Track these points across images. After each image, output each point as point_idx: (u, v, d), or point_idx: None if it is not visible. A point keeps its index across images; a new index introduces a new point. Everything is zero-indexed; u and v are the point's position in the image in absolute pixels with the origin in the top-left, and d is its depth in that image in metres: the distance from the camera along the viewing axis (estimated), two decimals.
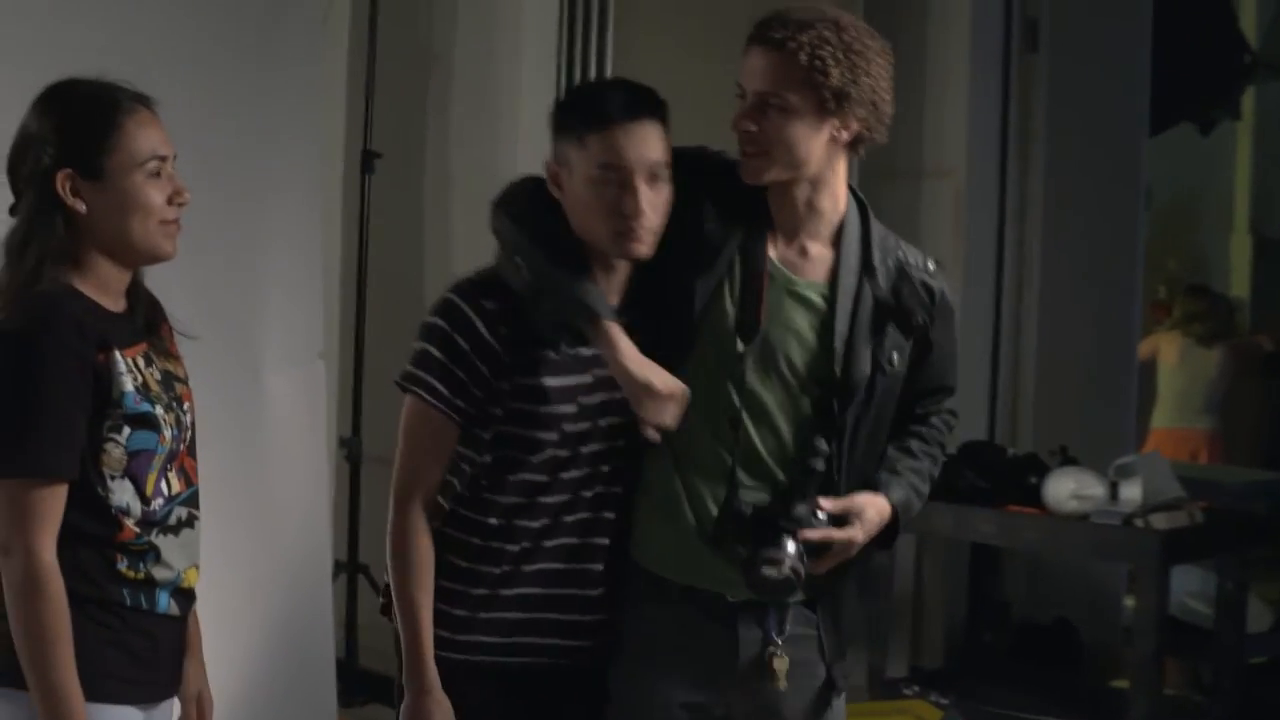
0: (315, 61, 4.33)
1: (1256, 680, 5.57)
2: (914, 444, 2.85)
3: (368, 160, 5.23)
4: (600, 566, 2.80)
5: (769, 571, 2.62)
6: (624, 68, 5.18)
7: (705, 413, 2.66)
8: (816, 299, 2.70)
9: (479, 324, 2.68)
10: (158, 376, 2.50)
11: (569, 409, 2.72)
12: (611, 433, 2.75)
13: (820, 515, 2.66)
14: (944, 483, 5.14)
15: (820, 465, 2.67)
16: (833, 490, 2.68)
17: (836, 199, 2.69)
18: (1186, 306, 8.44)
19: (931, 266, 2.79)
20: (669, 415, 2.61)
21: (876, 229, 2.74)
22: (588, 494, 2.77)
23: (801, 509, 2.66)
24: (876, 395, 2.72)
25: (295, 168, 4.18)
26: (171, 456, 2.50)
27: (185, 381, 2.60)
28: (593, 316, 2.62)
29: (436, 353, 2.69)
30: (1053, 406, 6.10)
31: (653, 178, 2.63)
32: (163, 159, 2.46)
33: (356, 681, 5.12)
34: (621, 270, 2.71)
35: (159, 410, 2.46)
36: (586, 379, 2.73)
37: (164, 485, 2.50)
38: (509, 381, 2.70)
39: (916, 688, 5.50)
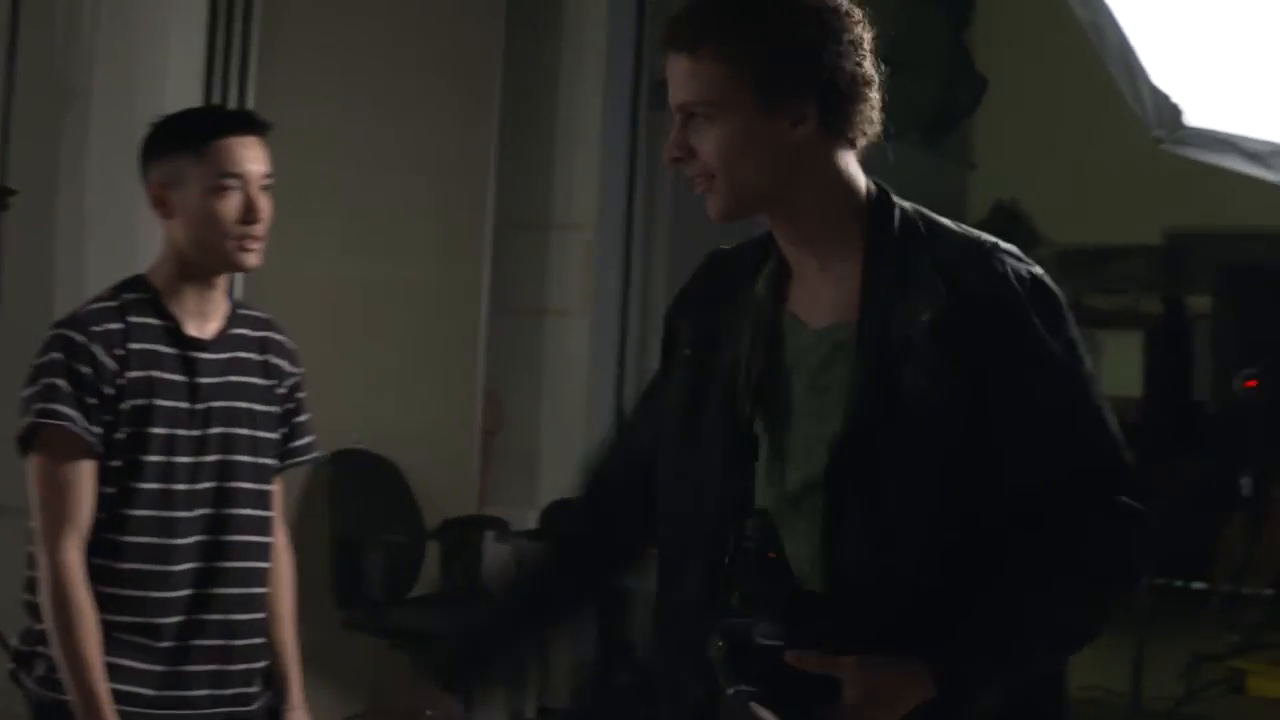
0: None
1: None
2: (1014, 572, 1.98)
3: (2, 198, 5.05)
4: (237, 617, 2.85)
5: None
6: (267, 108, 5.15)
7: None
8: (843, 340, 2.08)
9: (96, 349, 2.75)
10: None
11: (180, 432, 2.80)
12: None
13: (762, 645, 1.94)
14: None
15: (751, 542, 2.02)
16: (810, 602, 1.98)
17: (836, 206, 2.08)
18: None
19: (990, 243, 2.10)
20: None
21: (905, 222, 2.10)
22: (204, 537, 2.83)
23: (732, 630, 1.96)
24: (900, 443, 2.00)
25: None
26: None
27: None
28: None
29: (62, 384, 2.73)
30: None
31: (265, 189, 2.81)
32: None
33: None
34: (220, 288, 2.81)
35: None
36: (199, 406, 2.82)
37: None
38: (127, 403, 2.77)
39: None
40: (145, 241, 3.37)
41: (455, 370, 6.14)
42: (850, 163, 2.09)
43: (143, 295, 2.85)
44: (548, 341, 6.12)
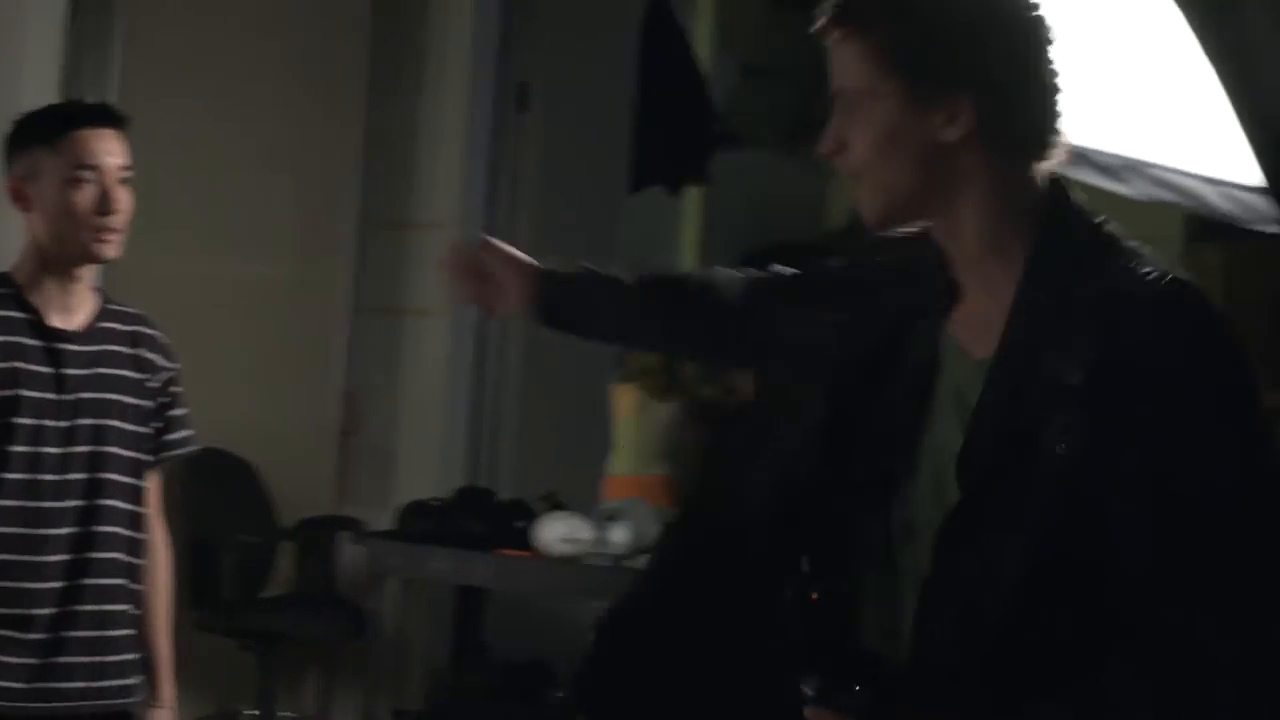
0: None
1: None
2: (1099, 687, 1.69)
3: None
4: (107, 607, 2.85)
5: None
6: (130, 105, 5.08)
7: None
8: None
9: None
10: None
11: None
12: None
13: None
14: (439, 528, 5.35)
15: (800, 592, 1.80)
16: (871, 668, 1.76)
17: (997, 222, 1.82)
18: (640, 361, 8.79)
19: (1167, 290, 1.75)
20: None
21: (1076, 245, 1.81)
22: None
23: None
24: (1015, 511, 1.72)
25: None
26: None
27: None
28: None
29: None
30: (537, 452, 6.31)
31: (123, 181, 2.83)
32: None
33: None
34: (84, 280, 2.83)
35: None
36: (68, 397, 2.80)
37: None
38: None
39: None
40: (9, 238, 3.35)
41: (314, 370, 6.11)
42: (1022, 175, 1.82)
43: (5, 290, 2.88)
44: (407, 341, 6.10)
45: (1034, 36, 1.82)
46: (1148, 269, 1.76)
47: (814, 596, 1.79)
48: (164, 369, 3.01)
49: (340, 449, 6.11)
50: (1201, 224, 7.75)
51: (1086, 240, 1.81)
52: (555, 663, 6.26)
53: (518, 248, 2.31)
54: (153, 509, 3.00)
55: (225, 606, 5.53)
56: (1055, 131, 1.82)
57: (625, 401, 8.63)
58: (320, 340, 6.10)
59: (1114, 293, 1.73)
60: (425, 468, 6.00)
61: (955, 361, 1.85)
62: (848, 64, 1.83)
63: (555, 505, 5.49)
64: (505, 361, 6.27)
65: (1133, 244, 1.82)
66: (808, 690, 1.74)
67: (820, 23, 1.86)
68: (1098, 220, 1.84)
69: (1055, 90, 1.82)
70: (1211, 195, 5.77)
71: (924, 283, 1.90)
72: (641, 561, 5.18)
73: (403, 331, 6.11)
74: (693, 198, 11.34)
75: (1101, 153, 5.34)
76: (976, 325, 1.83)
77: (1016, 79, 1.80)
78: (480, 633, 6.22)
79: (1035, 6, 1.83)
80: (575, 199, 6.42)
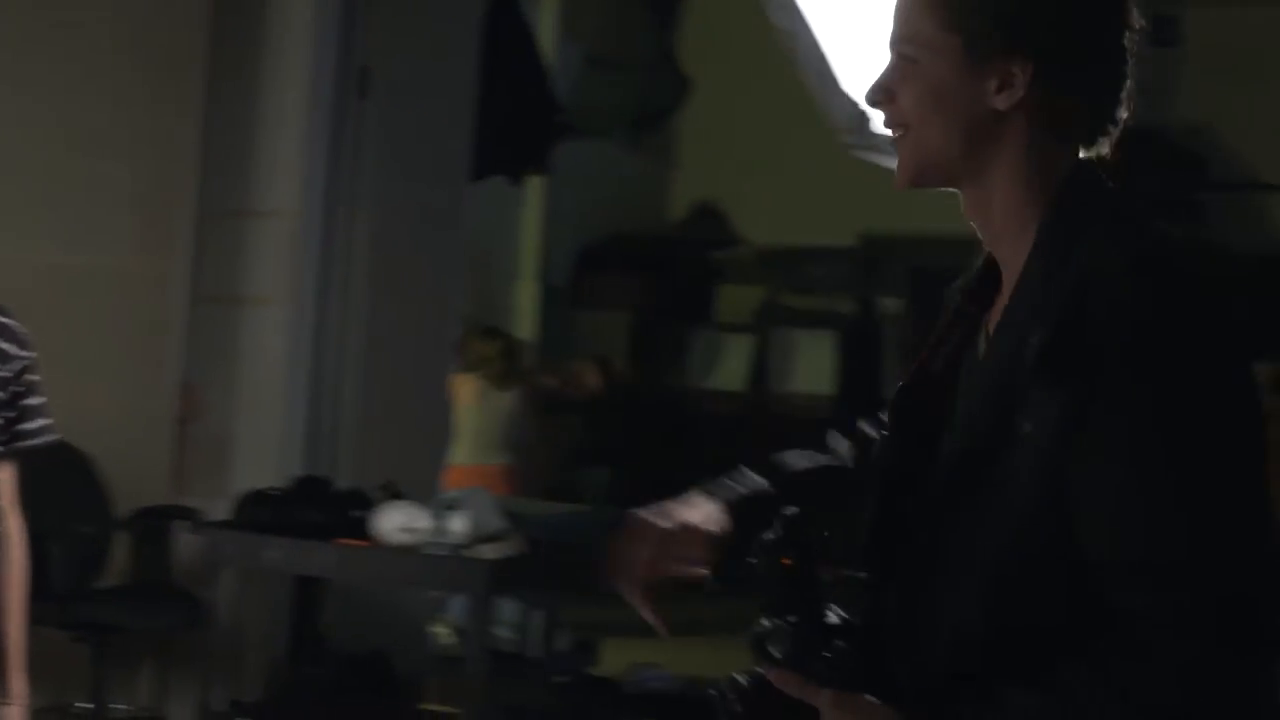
0: None
1: (563, 697, 5.96)
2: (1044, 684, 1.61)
3: None
4: None
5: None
6: None
7: None
8: None
9: None
10: None
11: None
12: None
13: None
14: (276, 518, 5.31)
15: (776, 533, 1.74)
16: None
17: (1022, 197, 1.75)
18: (480, 350, 8.82)
19: (1136, 258, 1.66)
20: None
21: (1080, 223, 1.71)
22: None
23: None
24: (978, 477, 1.68)
25: None
26: None
27: None
28: None
29: None
30: (377, 441, 6.29)
31: None
32: None
33: None
34: None
35: None
36: None
37: None
38: None
39: None
40: None
41: (151, 359, 6.03)
42: (1061, 155, 1.74)
43: None
44: (246, 330, 6.04)
45: (1107, 15, 1.75)
46: (1121, 241, 1.68)
47: (785, 562, 1.75)
48: (17, 358, 2.95)
49: (177, 438, 6.04)
50: None
51: (1093, 219, 1.71)
52: (394, 653, 6.25)
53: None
54: (5, 501, 2.94)
55: (59, 598, 5.44)
56: (1110, 119, 1.76)
57: (465, 391, 8.65)
58: (158, 329, 6.03)
59: (1085, 268, 1.65)
60: (263, 457, 5.95)
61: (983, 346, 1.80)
62: (907, 14, 1.77)
63: (394, 495, 5.47)
64: (345, 350, 6.23)
65: (1134, 220, 1.72)
66: (775, 653, 1.73)
67: None
68: (1114, 199, 1.74)
69: (1120, 77, 1.75)
70: None
71: (976, 279, 1.84)
72: (480, 550, 5.19)
73: (241, 320, 6.05)
74: (535, 187, 11.37)
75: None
76: (999, 311, 1.78)
77: (1078, 55, 1.72)
78: (318, 623, 6.18)
79: None
80: (416, 187, 6.39)
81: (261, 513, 5.37)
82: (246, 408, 6.01)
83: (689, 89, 9.40)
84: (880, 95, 1.79)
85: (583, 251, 12.57)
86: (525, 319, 11.54)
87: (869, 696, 1.68)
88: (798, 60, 5.09)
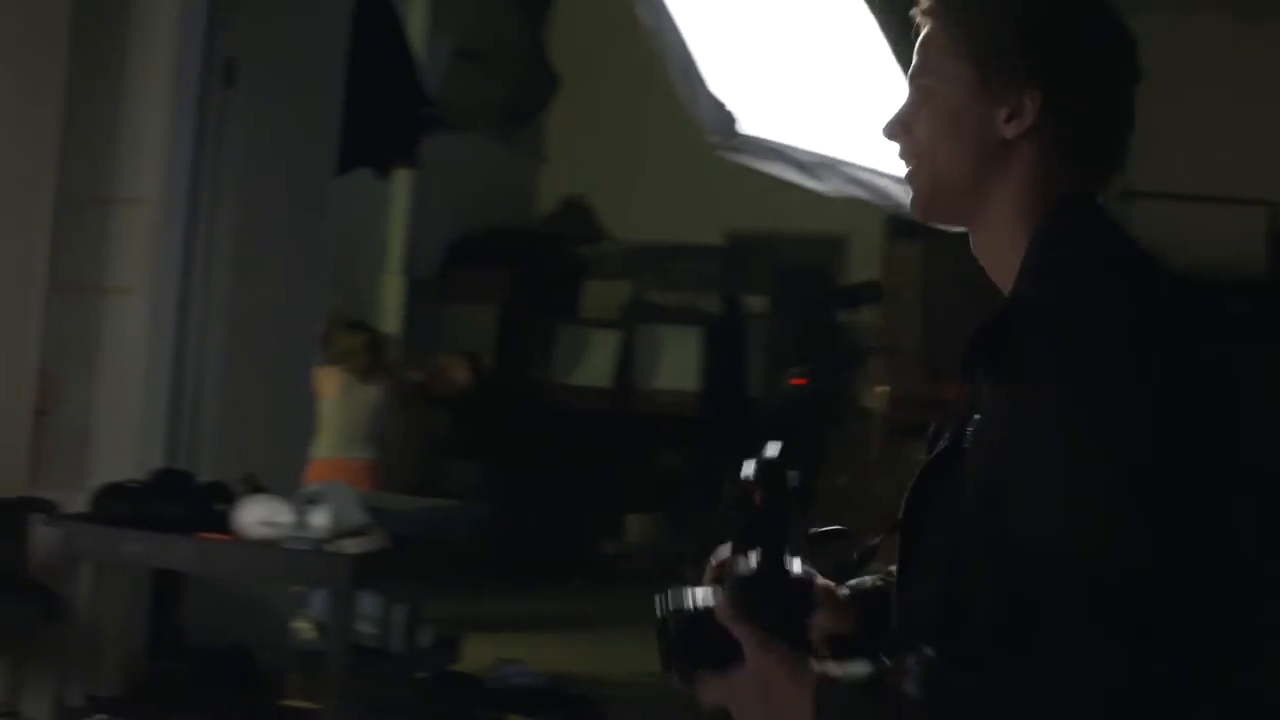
0: None
1: (426, 693, 5.95)
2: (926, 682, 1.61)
3: None
4: None
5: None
6: None
7: None
8: None
9: None
10: None
11: None
12: None
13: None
14: (135, 510, 5.25)
15: (750, 473, 1.77)
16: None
17: (1017, 228, 1.78)
18: (345, 343, 8.77)
19: (1070, 259, 1.74)
20: None
21: (1047, 260, 1.75)
22: None
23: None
24: (947, 469, 1.73)
25: None
26: None
27: None
28: None
29: None
30: (238, 434, 6.23)
31: None
32: None
33: None
34: None
35: None
36: None
37: None
38: None
39: (100, 716, 5.47)
40: None
41: (8, 347, 5.93)
42: (1059, 190, 1.77)
43: None
44: (106, 319, 5.96)
45: (1118, 58, 1.80)
46: (1072, 247, 1.73)
47: (758, 502, 1.76)
48: None
49: (34, 429, 5.94)
50: (903, 221, 8.02)
51: (1061, 256, 1.73)
52: (254, 647, 6.21)
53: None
54: None
55: None
56: (1114, 157, 1.80)
57: (330, 384, 8.60)
58: (16, 317, 5.93)
59: (1027, 299, 1.69)
60: (122, 449, 5.87)
61: None
62: (925, 45, 1.82)
63: (255, 488, 5.42)
64: (207, 341, 6.17)
65: (1107, 240, 1.74)
66: (727, 583, 1.75)
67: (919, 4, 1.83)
68: (1091, 236, 1.75)
69: (1126, 120, 1.80)
70: (901, 194, 6.00)
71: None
72: (342, 545, 5.17)
73: (102, 309, 5.97)
74: (402, 180, 11.34)
75: (798, 149, 5.50)
76: None
77: (1086, 87, 1.77)
78: (178, 617, 6.12)
79: (1127, 32, 1.80)
80: (282, 178, 6.35)
81: (120, 505, 5.30)
82: (106, 399, 5.93)
83: (558, 84, 9.40)
84: (897, 129, 1.84)
85: (450, 245, 12.55)
86: (391, 312, 11.50)
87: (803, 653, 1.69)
88: (664, 59, 5.11)
